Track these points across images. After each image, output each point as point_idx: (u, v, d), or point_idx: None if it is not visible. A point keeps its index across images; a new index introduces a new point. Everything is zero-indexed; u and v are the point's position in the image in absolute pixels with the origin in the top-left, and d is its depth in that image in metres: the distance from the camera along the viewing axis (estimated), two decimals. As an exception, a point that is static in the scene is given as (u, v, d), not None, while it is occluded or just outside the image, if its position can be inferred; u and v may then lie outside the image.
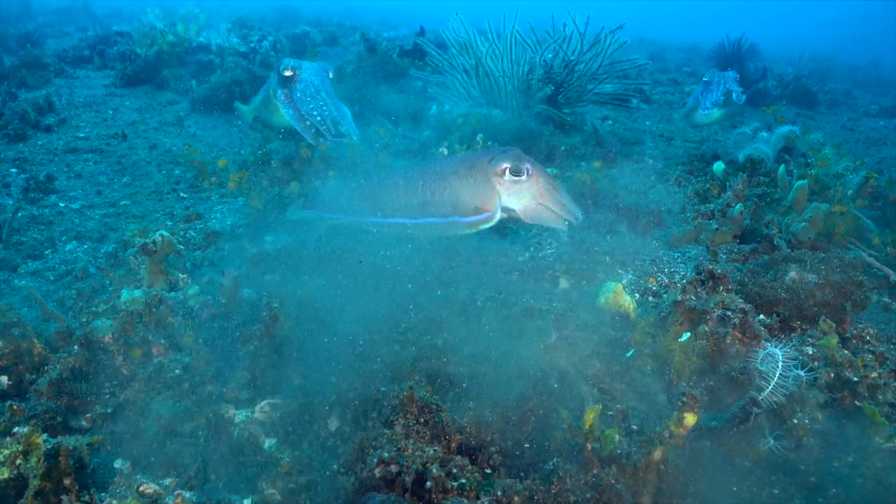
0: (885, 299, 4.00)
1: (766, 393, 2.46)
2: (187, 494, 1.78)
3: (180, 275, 3.28)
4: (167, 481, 1.88)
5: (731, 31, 11.60)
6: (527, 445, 2.29)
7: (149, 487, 1.80)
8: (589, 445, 2.08)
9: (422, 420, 2.21)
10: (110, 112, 8.26)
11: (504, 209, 3.27)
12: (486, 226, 3.39)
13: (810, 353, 3.12)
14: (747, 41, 11.04)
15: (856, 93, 13.65)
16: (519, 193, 3.23)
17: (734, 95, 5.94)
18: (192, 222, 4.75)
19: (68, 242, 4.64)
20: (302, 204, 4.10)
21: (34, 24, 14.60)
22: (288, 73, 4.78)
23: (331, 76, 5.08)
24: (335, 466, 2.05)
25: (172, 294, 2.93)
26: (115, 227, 4.87)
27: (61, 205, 5.33)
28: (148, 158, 6.52)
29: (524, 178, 3.20)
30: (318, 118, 4.69)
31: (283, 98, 4.82)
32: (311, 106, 4.74)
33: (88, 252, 4.49)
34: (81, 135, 7.26)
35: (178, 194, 5.57)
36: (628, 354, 2.89)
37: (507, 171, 3.20)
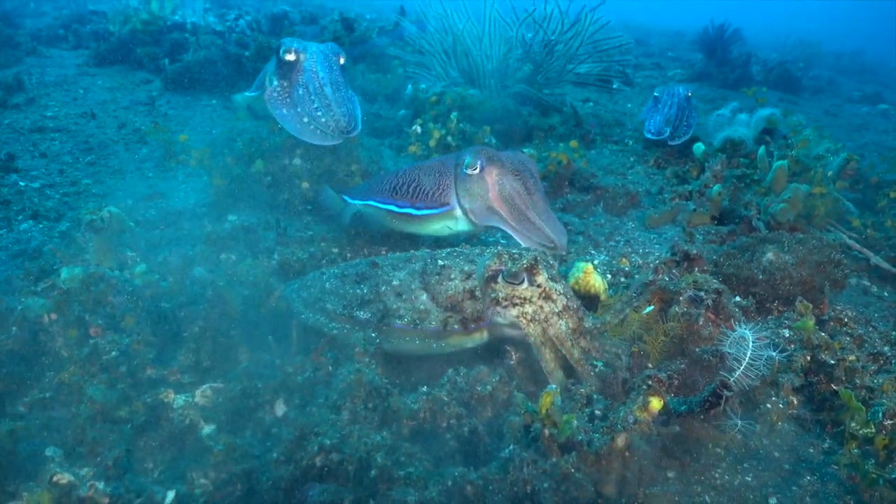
0: (865, 282, 3.91)
1: (736, 375, 2.34)
2: (101, 485, 1.63)
3: (130, 253, 3.12)
4: (84, 471, 1.74)
5: (717, 16, 11.45)
6: (483, 430, 2.16)
7: (63, 477, 1.66)
8: (546, 431, 1.95)
9: (370, 405, 2.07)
10: (81, 91, 8.00)
11: (461, 208, 2.91)
12: (450, 223, 3.01)
13: (787, 335, 3.01)
14: (731, 26, 10.91)
15: (840, 79, 13.58)
16: (469, 190, 2.82)
17: (666, 138, 5.44)
18: (154, 201, 4.56)
19: (24, 222, 4.45)
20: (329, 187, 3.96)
21: (12, 3, 14.23)
22: (290, 58, 3.71)
23: (342, 62, 3.95)
24: (274, 455, 1.91)
25: (117, 273, 2.77)
26: (75, 207, 4.67)
27: (21, 184, 5.13)
28: (115, 137, 6.31)
29: (475, 172, 2.76)
30: (323, 121, 3.66)
31: (278, 93, 3.76)
32: (316, 105, 3.67)
33: (44, 231, 4.30)
34: (49, 114, 7.03)
35: (142, 173, 5.39)
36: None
37: (464, 163, 2.84)
